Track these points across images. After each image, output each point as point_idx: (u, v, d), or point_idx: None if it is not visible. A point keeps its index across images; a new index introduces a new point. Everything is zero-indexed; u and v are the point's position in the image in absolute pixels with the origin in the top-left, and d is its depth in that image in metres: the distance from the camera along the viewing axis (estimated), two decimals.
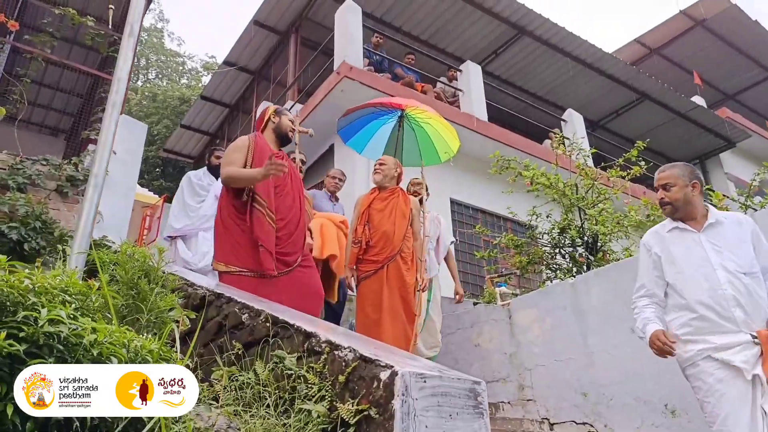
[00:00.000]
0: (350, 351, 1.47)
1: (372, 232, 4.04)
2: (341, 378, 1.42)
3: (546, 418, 4.01)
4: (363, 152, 5.33)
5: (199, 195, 4.87)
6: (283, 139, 3.36)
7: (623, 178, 5.23)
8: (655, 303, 2.58)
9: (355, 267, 4.00)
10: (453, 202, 8.18)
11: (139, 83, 28.96)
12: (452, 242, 5.08)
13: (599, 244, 5.03)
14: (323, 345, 1.57)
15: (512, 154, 6.91)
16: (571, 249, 5.05)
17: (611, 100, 12.04)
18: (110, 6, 5.98)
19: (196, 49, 55.65)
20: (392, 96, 6.68)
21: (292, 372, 1.51)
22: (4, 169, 4.90)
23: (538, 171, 5.07)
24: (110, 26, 5.90)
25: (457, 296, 4.79)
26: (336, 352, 1.51)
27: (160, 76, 30.24)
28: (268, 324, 1.86)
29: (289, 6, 9.74)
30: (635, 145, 5.44)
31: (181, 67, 30.76)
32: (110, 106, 3.47)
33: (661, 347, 2.39)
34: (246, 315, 2.02)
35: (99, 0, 6.93)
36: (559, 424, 3.94)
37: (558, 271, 5.20)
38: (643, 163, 5.30)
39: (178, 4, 59.47)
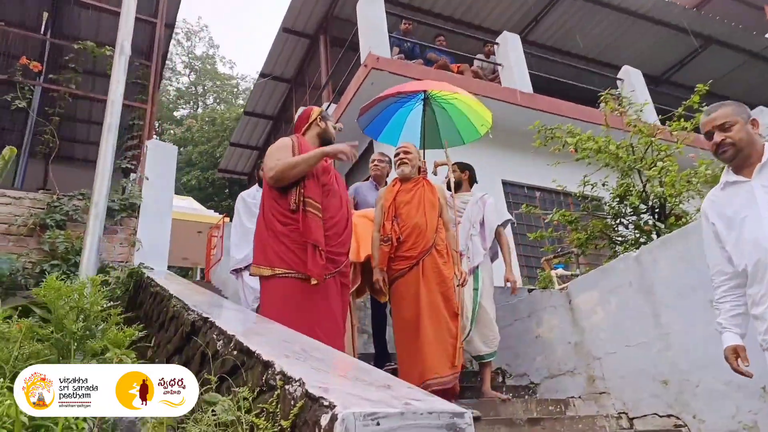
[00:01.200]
0: (299, 385, 1.16)
1: (402, 226, 3.70)
2: (285, 423, 1.12)
3: (623, 412, 3.53)
4: (398, 144, 5.02)
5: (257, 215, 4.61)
6: (326, 144, 3.17)
7: (685, 130, 4.55)
8: (733, 287, 2.23)
9: (385, 268, 3.67)
10: (505, 183, 7.65)
11: (200, 110, 30.18)
12: (507, 221, 4.41)
13: (668, 207, 4.43)
14: (277, 377, 1.27)
15: (565, 123, 6.32)
16: (634, 218, 4.47)
17: (672, 50, 11.04)
18: None
19: (247, 69, 57.23)
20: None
21: (234, 418, 1.22)
22: (42, 209, 4.96)
23: (584, 135, 4.51)
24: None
25: (510, 283, 4.14)
26: (287, 387, 1.21)
27: (218, 100, 31.35)
28: (235, 352, 1.58)
29: (314, 8, 9.57)
30: (696, 90, 4.73)
31: (235, 89, 31.75)
32: (106, 129, 3.35)
33: (735, 370, 2.14)
34: (221, 342, 1.76)
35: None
36: (639, 418, 3.45)
37: (624, 244, 4.63)
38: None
39: (225, 27, 61.53)
